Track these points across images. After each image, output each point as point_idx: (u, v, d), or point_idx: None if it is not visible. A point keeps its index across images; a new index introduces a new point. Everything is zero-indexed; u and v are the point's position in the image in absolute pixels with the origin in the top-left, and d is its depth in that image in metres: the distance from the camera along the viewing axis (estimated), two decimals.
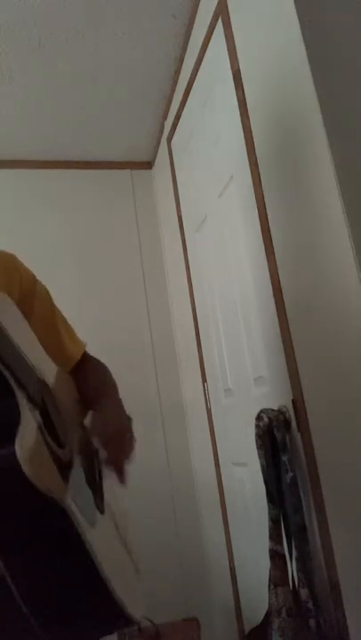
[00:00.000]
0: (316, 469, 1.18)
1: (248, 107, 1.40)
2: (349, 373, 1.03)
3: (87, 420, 0.89)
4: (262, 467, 1.27)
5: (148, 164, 2.61)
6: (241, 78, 1.43)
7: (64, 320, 1.13)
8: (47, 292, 1.10)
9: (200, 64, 1.72)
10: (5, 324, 0.64)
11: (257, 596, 1.53)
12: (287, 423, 1.27)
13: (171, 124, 2.16)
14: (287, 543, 1.23)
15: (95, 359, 1.19)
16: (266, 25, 1.27)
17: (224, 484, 1.84)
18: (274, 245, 1.31)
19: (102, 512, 0.78)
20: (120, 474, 0.84)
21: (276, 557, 1.21)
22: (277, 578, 1.20)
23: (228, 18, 1.47)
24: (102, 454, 0.82)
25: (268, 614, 1.23)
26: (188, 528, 2.19)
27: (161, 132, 2.34)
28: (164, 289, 2.47)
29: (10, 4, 1.60)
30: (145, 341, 2.37)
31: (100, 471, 0.85)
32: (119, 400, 0.99)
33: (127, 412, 0.95)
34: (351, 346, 1.02)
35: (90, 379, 1.07)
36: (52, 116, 2.16)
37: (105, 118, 2.23)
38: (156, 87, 2.08)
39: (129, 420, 0.93)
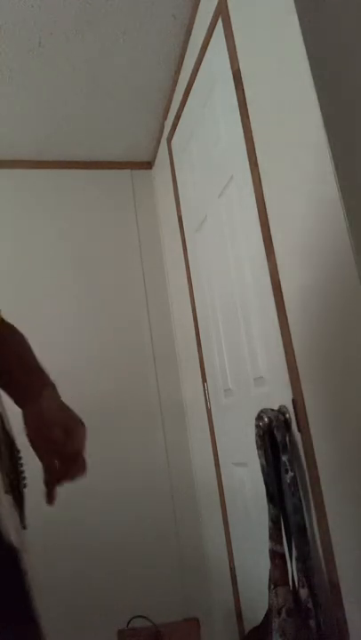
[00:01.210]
0: (316, 469, 1.18)
1: (248, 107, 1.40)
2: (349, 373, 1.03)
3: (26, 420, 0.73)
4: (262, 467, 1.27)
5: (148, 164, 2.61)
6: (241, 78, 1.43)
7: None
8: None
9: (200, 64, 1.72)
10: None
11: (257, 596, 1.53)
12: (287, 423, 1.27)
13: (171, 124, 2.16)
14: (287, 543, 1.23)
15: (10, 325, 0.86)
16: (266, 25, 1.27)
17: (224, 484, 1.84)
18: (274, 245, 1.31)
19: (25, 527, 0.69)
20: (52, 493, 0.71)
21: (277, 557, 1.22)
22: (277, 578, 1.20)
23: (228, 18, 1.47)
24: (46, 467, 0.70)
25: (268, 614, 1.23)
26: (188, 528, 2.19)
27: (161, 132, 2.35)
28: (164, 289, 2.47)
29: (10, 4, 1.60)
30: (145, 341, 2.37)
31: (23, 476, 0.73)
32: (54, 389, 0.78)
33: (69, 407, 0.76)
34: (351, 346, 1.02)
35: (6, 352, 0.81)
36: (52, 116, 2.16)
37: (105, 118, 2.23)
38: (156, 87, 2.08)
39: (80, 422, 0.75)
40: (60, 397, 0.77)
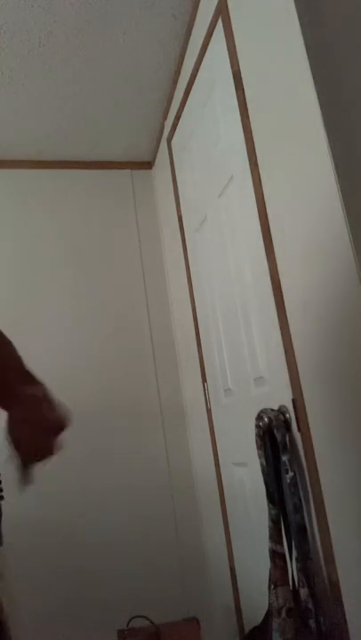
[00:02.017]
0: (316, 469, 1.18)
1: (248, 107, 1.40)
2: (349, 373, 1.03)
3: (9, 420, 0.69)
4: (262, 467, 1.27)
5: (148, 164, 2.61)
6: (241, 78, 1.43)
7: None
8: None
9: (200, 64, 1.72)
10: None
11: (257, 596, 1.53)
12: (287, 423, 1.27)
13: (171, 124, 2.16)
14: (287, 543, 1.23)
15: None
16: (266, 25, 1.27)
17: (224, 483, 1.84)
18: (274, 245, 1.31)
19: (1, 543, 0.66)
20: (25, 471, 0.67)
21: (276, 557, 1.22)
22: (277, 578, 1.20)
23: (228, 18, 1.47)
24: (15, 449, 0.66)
25: (268, 614, 1.23)
26: (188, 528, 2.19)
27: (161, 131, 2.35)
28: (164, 289, 2.47)
29: (10, 4, 1.60)
30: (145, 341, 2.37)
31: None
32: (40, 387, 0.73)
33: (53, 400, 0.71)
34: (351, 346, 1.02)
35: None
36: (52, 115, 2.16)
37: (105, 118, 2.23)
38: (156, 87, 2.08)
39: (60, 412, 0.71)
40: (47, 393, 0.72)
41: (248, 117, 1.40)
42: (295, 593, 1.17)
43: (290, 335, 1.26)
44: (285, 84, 1.20)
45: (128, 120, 2.26)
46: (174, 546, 2.16)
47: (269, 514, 1.24)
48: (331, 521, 1.14)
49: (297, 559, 1.18)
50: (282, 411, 1.30)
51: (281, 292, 1.28)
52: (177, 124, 2.07)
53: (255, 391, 1.51)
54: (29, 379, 0.73)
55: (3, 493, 0.69)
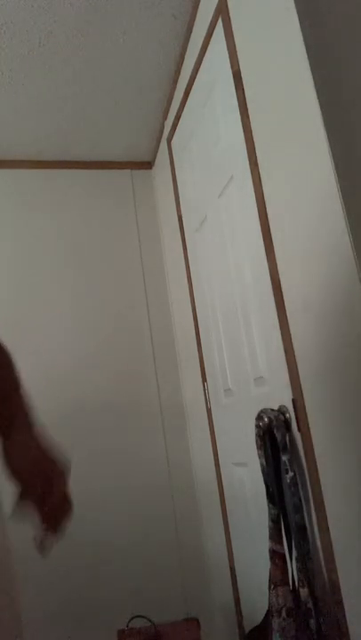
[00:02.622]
0: (316, 469, 1.18)
1: (248, 107, 1.40)
2: (349, 373, 1.03)
3: (8, 453, 0.69)
4: (262, 467, 1.27)
5: (148, 164, 2.61)
6: (241, 78, 1.43)
7: None
8: None
9: (200, 64, 1.72)
10: None
11: (257, 596, 1.53)
12: (287, 423, 1.27)
13: (171, 124, 2.16)
14: (287, 543, 1.23)
15: None
16: (266, 25, 1.27)
17: (224, 484, 1.84)
18: (274, 245, 1.31)
19: None
20: (55, 533, 0.70)
21: (276, 557, 1.22)
22: (277, 578, 1.20)
23: (228, 18, 1.47)
24: (34, 517, 0.69)
25: (268, 614, 1.23)
26: (188, 528, 2.19)
27: (161, 131, 2.35)
28: (164, 289, 2.47)
29: (10, 4, 1.60)
30: (145, 341, 2.37)
31: None
32: (33, 424, 0.72)
33: (46, 443, 0.71)
34: (351, 346, 1.02)
35: None
36: (52, 115, 2.16)
37: (105, 118, 2.23)
38: (156, 87, 2.08)
39: (62, 470, 0.74)
40: (40, 435, 0.72)
41: (248, 117, 1.40)
42: (295, 593, 1.17)
43: (290, 335, 1.26)
44: (285, 83, 1.20)
45: (128, 120, 2.26)
46: (174, 546, 2.16)
47: (269, 514, 1.24)
48: (331, 521, 1.14)
49: (297, 559, 1.18)
50: (282, 411, 1.30)
51: (281, 292, 1.28)
52: (177, 124, 2.07)
53: (255, 391, 1.51)
54: (23, 406, 0.72)
55: None
